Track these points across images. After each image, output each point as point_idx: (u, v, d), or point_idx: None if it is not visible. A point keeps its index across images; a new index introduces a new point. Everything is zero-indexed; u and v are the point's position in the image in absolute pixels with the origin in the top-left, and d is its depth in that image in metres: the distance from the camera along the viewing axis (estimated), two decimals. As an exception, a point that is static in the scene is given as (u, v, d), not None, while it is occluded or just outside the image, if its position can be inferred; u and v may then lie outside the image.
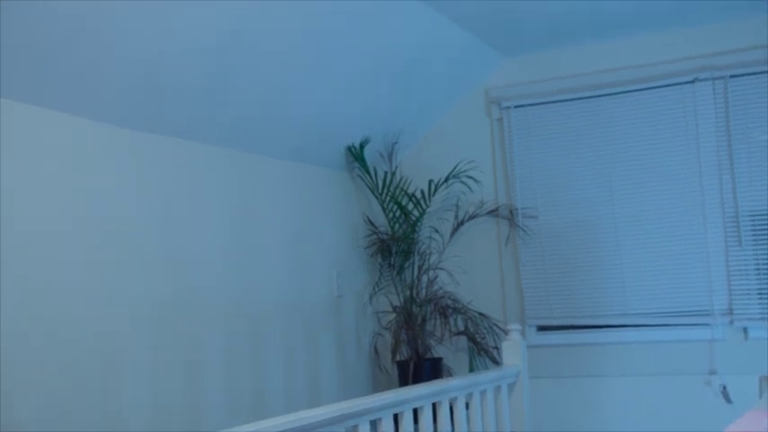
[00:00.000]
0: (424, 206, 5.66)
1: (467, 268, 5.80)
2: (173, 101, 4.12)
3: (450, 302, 5.57)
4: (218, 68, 4.14)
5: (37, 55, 3.39)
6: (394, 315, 5.66)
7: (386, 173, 5.72)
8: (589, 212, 5.58)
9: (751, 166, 5.21)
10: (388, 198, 5.64)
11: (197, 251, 4.43)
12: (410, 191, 5.75)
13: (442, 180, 5.66)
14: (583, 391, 5.54)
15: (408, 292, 5.62)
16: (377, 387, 5.77)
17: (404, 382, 5.43)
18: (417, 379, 5.32)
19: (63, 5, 3.27)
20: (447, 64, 5.50)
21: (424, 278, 5.68)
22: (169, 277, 4.23)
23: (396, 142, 5.78)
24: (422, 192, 5.67)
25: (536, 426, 5.09)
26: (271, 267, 4.96)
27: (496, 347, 5.39)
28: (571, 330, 5.65)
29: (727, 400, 5.17)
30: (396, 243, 5.64)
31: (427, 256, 5.73)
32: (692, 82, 5.33)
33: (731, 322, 5.22)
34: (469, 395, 4.39)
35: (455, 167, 5.69)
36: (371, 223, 5.78)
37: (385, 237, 5.70)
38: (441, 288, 5.69)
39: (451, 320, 5.55)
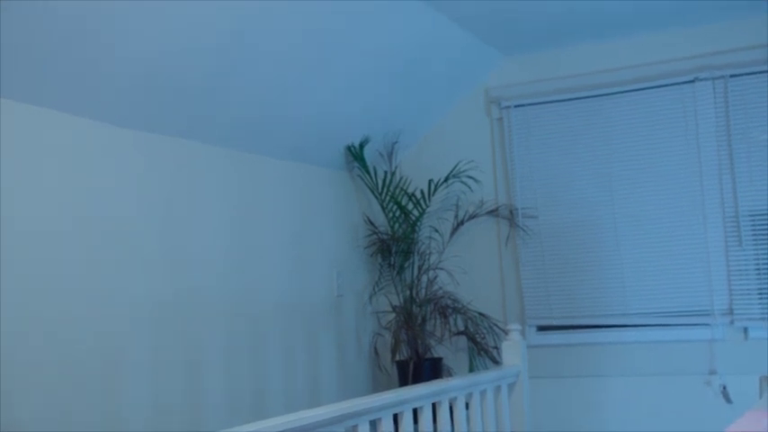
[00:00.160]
0: (423, 206, 5.65)
1: (467, 268, 5.80)
2: (173, 101, 4.12)
3: (449, 302, 5.57)
4: (218, 68, 4.14)
5: (37, 55, 3.38)
6: (394, 315, 5.66)
7: (386, 173, 5.71)
8: (589, 212, 5.58)
9: (751, 166, 5.21)
10: (387, 198, 5.64)
11: (197, 251, 4.43)
12: (410, 191, 5.74)
13: (442, 180, 5.66)
14: (583, 391, 5.54)
15: (408, 292, 5.61)
16: (377, 387, 5.77)
17: (404, 382, 5.43)
18: (417, 379, 5.32)
19: (63, 5, 3.27)
20: (447, 64, 5.50)
21: (424, 278, 5.67)
22: (169, 277, 4.23)
23: (395, 142, 5.78)
24: (422, 191, 5.67)
25: (536, 426, 5.09)
26: (271, 267, 4.96)
27: (496, 347, 5.39)
28: (571, 330, 5.65)
29: (728, 400, 5.17)
30: (396, 243, 5.64)
31: (427, 256, 5.73)
32: (692, 82, 5.33)
33: (731, 322, 5.22)
34: (469, 395, 4.38)
35: (455, 167, 5.69)
36: (371, 223, 5.78)
37: (385, 236, 5.70)
38: (440, 288, 5.69)
39: (451, 320, 5.55)
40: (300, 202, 5.27)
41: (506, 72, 5.83)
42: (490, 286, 5.82)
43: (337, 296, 5.50)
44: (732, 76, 5.24)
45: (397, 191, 5.66)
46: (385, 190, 5.63)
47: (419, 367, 5.43)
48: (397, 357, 5.56)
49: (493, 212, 5.76)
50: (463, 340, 5.61)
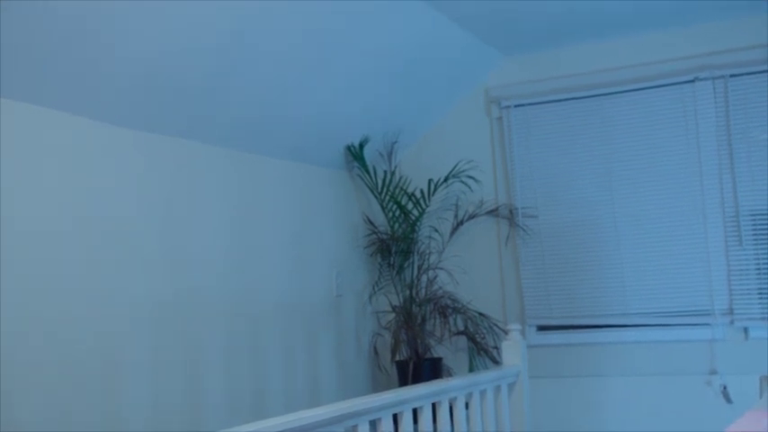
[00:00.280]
0: (423, 206, 5.65)
1: (466, 268, 5.80)
2: (173, 101, 4.11)
3: (449, 302, 5.57)
4: (218, 68, 4.14)
5: (37, 55, 3.38)
6: (393, 315, 5.66)
7: (385, 172, 5.71)
8: (589, 212, 5.57)
9: (751, 166, 5.21)
10: (387, 198, 5.63)
11: (197, 251, 4.43)
12: (410, 190, 5.74)
13: (442, 179, 5.65)
14: (583, 391, 5.53)
15: (408, 292, 5.61)
16: (376, 387, 5.77)
17: (403, 382, 5.43)
18: (417, 379, 5.32)
19: (63, 5, 3.27)
20: (447, 63, 5.49)
21: (424, 278, 5.67)
22: (169, 277, 4.23)
23: (395, 142, 5.77)
24: (421, 191, 5.66)
25: (536, 426, 5.09)
26: (270, 267, 4.96)
27: (496, 347, 5.39)
28: (571, 330, 5.65)
29: (728, 400, 5.17)
30: (395, 243, 5.64)
31: (427, 256, 5.73)
32: (692, 81, 5.33)
33: (731, 322, 5.22)
34: (469, 395, 4.38)
35: (455, 167, 5.69)
36: (371, 223, 5.78)
37: (384, 236, 5.70)
38: (440, 288, 5.68)
39: (451, 320, 5.55)
40: (300, 202, 5.27)
41: (506, 72, 5.83)
42: (490, 286, 5.82)
43: (337, 296, 5.50)
44: (732, 75, 5.24)
45: (397, 191, 5.66)
46: (385, 190, 5.63)
47: (419, 367, 5.43)
48: (397, 357, 5.56)
49: (493, 212, 5.76)
50: (463, 340, 5.60)
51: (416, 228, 5.67)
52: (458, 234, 5.80)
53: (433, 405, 4.08)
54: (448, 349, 5.72)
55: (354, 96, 5.17)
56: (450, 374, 5.53)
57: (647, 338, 5.42)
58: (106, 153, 3.94)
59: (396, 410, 3.75)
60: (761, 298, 5.16)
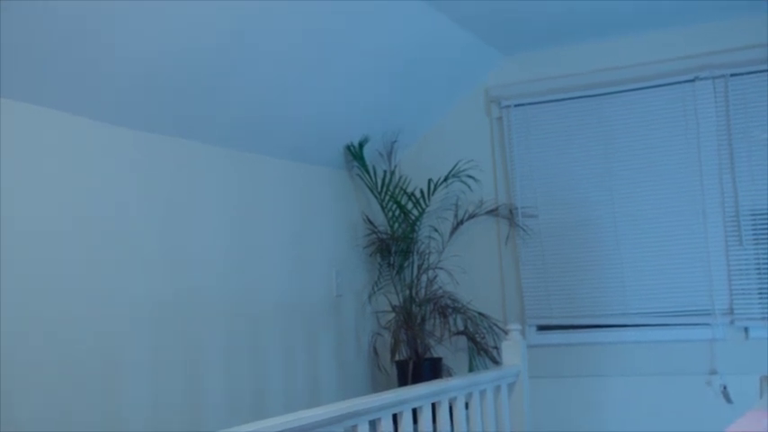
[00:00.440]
0: (423, 205, 5.65)
1: (466, 268, 5.80)
2: (172, 101, 4.11)
3: (449, 302, 5.57)
4: (217, 68, 4.13)
5: (37, 54, 3.38)
6: (393, 315, 5.65)
7: (385, 172, 5.71)
8: (589, 212, 5.57)
9: (752, 165, 5.20)
10: (387, 197, 5.63)
11: (197, 251, 4.43)
12: (409, 190, 5.74)
13: (442, 179, 5.65)
14: (583, 391, 5.53)
15: (408, 292, 5.61)
16: (376, 387, 5.77)
17: (403, 381, 5.42)
18: (417, 379, 5.31)
19: (63, 5, 3.27)
20: (446, 63, 5.49)
21: (424, 278, 5.67)
22: (169, 277, 4.23)
23: (395, 141, 5.77)
24: (421, 191, 5.66)
25: (536, 426, 5.08)
26: (270, 267, 4.96)
27: (496, 347, 5.39)
28: (571, 330, 5.65)
29: (728, 400, 5.16)
30: (395, 242, 5.64)
31: (426, 256, 5.73)
32: (693, 81, 5.33)
33: (732, 322, 5.22)
34: (469, 395, 4.38)
35: (454, 166, 5.68)
36: (371, 222, 5.78)
37: (384, 236, 5.70)
38: (440, 288, 5.68)
39: (451, 320, 5.54)
40: (300, 202, 5.27)
41: (506, 71, 5.83)
42: (490, 286, 5.81)
43: (337, 296, 5.50)
44: (732, 75, 5.24)
45: (397, 190, 5.66)
46: (384, 189, 5.63)
47: (419, 367, 5.42)
48: (397, 357, 5.56)
49: (492, 212, 5.75)
50: (463, 340, 5.60)
51: (416, 227, 5.67)
52: (458, 234, 5.80)
53: (433, 405, 4.08)
54: (448, 349, 5.72)
55: (354, 96, 5.17)
56: (449, 374, 5.52)
57: (647, 338, 5.42)
58: (106, 153, 3.94)
59: (395, 410, 3.75)
60: (761, 298, 5.16)
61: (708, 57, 5.29)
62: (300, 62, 4.53)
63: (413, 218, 5.64)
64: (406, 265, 5.66)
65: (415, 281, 5.63)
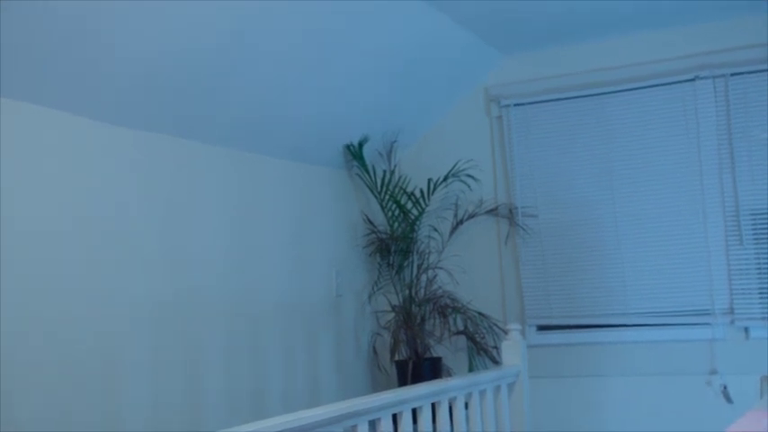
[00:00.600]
0: (423, 205, 5.65)
1: (466, 267, 5.79)
2: (172, 100, 4.11)
3: (449, 302, 5.56)
4: (217, 68, 4.13)
5: (37, 54, 3.38)
6: (393, 315, 5.65)
7: (385, 172, 5.71)
8: (589, 211, 5.57)
9: (752, 165, 5.20)
10: (387, 197, 5.63)
11: (196, 251, 4.43)
12: (409, 190, 5.73)
13: (442, 179, 5.65)
14: (583, 390, 5.53)
15: (407, 292, 5.61)
16: (376, 387, 5.76)
17: (403, 381, 5.42)
18: (416, 379, 5.31)
19: (63, 5, 3.26)
20: (446, 62, 5.49)
21: (424, 277, 5.66)
22: (169, 277, 4.23)
23: (395, 141, 5.77)
24: (421, 191, 5.66)
25: (536, 426, 5.08)
26: (270, 267, 4.95)
27: (496, 347, 5.38)
28: (571, 330, 5.64)
29: (728, 400, 5.16)
30: (395, 242, 5.63)
31: (426, 256, 5.72)
32: (693, 80, 5.32)
33: (732, 322, 5.21)
34: (469, 395, 4.38)
35: (454, 166, 5.68)
36: (370, 222, 5.77)
37: (384, 236, 5.69)
38: (440, 287, 5.67)
39: (451, 320, 5.54)
40: (300, 202, 5.26)
41: (506, 71, 5.82)
42: (490, 286, 5.81)
43: (336, 296, 5.50)
44: (733, 74, 5.23)
45: (397, 190, 5.66)
46: (384, 189, 5.63)
47: (418, 367, 5.42)
48: (397, 357, 5.55)
49: (492, 211, 5.75)
50: (463, 340, 5.60)
51: (416, 227, 5.66)
52: (457, 233, 5.79)
53: (433, 405, 4.08)
54: (447, 349, 5.71)
55: (353, 95, 5.17)
56: (449, 374, 5.52)
57: (648, 338, 5.42)
58: (106, 153, 3.94)
59: (395, 410, 3.75)
60: (761, 298, 5.16)
61: (708, 56, 5.29)
62: (300, 62, 4.53)
63: (412, 217, 5.63)
64: (405, 264, 5.66)
65: (415, 281, 5.63)
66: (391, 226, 5.65)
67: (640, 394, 5.38)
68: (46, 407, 3.54)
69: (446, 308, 5.53)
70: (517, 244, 5.74)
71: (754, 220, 5.20)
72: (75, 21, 3.36)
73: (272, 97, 4.60)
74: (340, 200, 5.64)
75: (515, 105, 5.75)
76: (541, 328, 5.73)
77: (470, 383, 4.38)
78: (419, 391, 3.96)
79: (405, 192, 5.69)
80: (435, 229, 5.81)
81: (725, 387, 5.18)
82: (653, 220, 5.41)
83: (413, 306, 5.57)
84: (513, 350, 4.80)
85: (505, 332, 4.94)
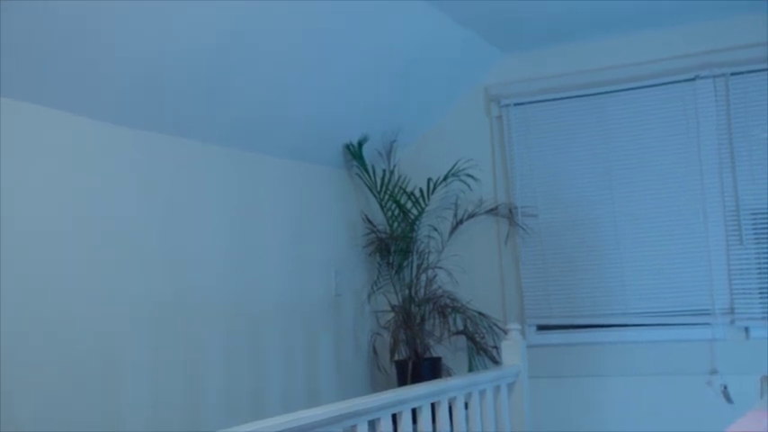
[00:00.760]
0: (422, 205, 5.64)
1: (466, 267, 5.79)
2: (172, 100, 4.11)
3: (449, 302, 5.56)
4: (217, 68, 4.13)
5: (37, 54, 3.38)
6: (392, 314, 5.64)
7: (384, 171, 5.70)
8: (589, 211, 5.56)
9: (752, 164, 5.20)
10: (386, 196, 5.62)
11: (196, 250, 4.42)
12: (409, 189, 5.73)
13: (441, 178, 5.65)
14: (583, 391, 5.52)
15: (407, 292, 5.60)
16: (375, 387, 5.76)
17: (402, 381, 5.42)
18: (416, 379, 5.31)
19: (63, 5, 3.26)
20: (446, 62, 5.48)
21: (423, 277, 5.66)
22: (168, 277, 4.22)
23: (394, 140, 5.77)
24: (420, 190, 5.65)
25: (536, 426, 5.08)
26: (270, 266, 4.95)
27: (496, 347, 5.38)
28: (571, 330, 5.64)
29: (728, 400, 5.16)
30: (394, 242, 5.63)
31: (426, 255, 5.72)
32: (693, 80, 5.32)
33: (732, 322, 5.21)
34: (469, 395, 4.37)
35: (454, 166, 5.68)
36: (370, 222, 5.77)
37: (383, 235, 5.69)
38: (440, 287, 5.67)
39: (450, 320, 5.53)
40: (299, 201, 5.26)
41: (506, 70, 5.82)
42: (490, 285, 5.80)
43: (336, 295, 5.49)
44: (733, 74, 5.23)
45: (396, 189, 5.65)
46: (384, 189, 5.62)
47: (418, 367, 5.41)
48: (396, 357, 5.55)
49: (492, 211, 5.75)
50: (462, 340, 5.59)
51: (415, 227, 5.66)
52: (457, 233, 5.79)
53: (433, 405, 4.07)
54: (447, 349, 5.71)
55: (353, 95, 5.16)
56: (449, 374, 5.52)
57: (648, 338, 5.41)
58: (106, 152, 3.94)
59: (395, 410, 3.75)
60: (762, 297, 5.15)
61: (708, 55, 5.29)
62: (300, 61, 4.52)
63: (412, 217, 5.63)
64: (405, 264, 5.65)
65: (415, 280, 5.62)
66: (391, 225, 5.64)
67: (640, 394, 5.38)
68: (46, 407, 3.54)
69: (446, 308, 5.52)
70: (517, 244, 5.73)
71: (755, 219, 5.20)
72: (75, 21, 3.36)
73: (272, 97, 4.60)
74: (340, 199, 5.64)
75: (515, 105, 5.75)
76: (541, 327, 5.73)
77: (470, 383, 4.38)
78: (419, 391, 3.96)
79: (404, 191, 5.69)
80: (435, 229, 5.81)
81: (725, 387, 5.18)
82: (653, 219, 5.40)
83: (412, 306, 5.57)
84: (512, 350, 4.80)
85: (505, 332, 4.94)
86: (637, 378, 5.40)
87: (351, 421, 3.44)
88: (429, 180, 5.63)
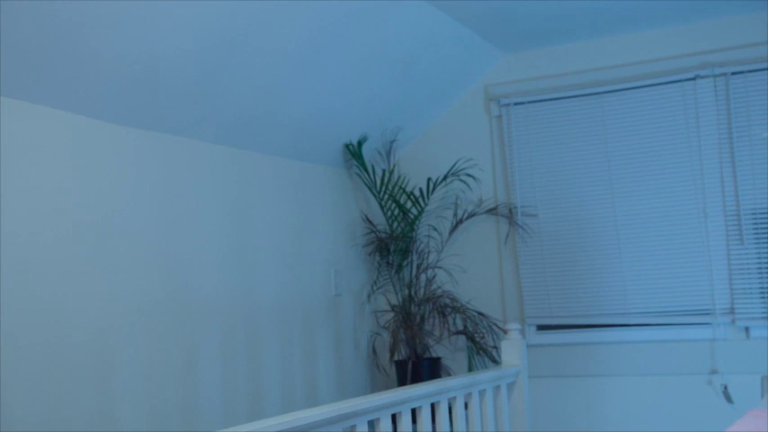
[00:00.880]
0: (422, 204, 5.63)
1: (466, 267, 5.78)
2: (171, 99, 4.10)
3: (448, 301, 5.55)
4: (215, 66, 4.12)
5: (35, 53, 3.38)
6: (392, 314, 5.64)
7: (384, 171, 5.69)
8: (589, 210, 5.55)
9: (753, 164, 5.18)
10: (386, 196, 5.61)
11: (194, 250, 4.41)
12: (408, 189, 5.72)
13: (441, 178, 5.63)
14: (583, 390, 5.51)
15: (407, 291, 5.59)
16: (375, 387, 5.75)
17: (402, 381, 5.41)
18: (416, 379, 5.30)
19: (63, 5, 3.27)
20: (446, 61, 5.47)
21: (423, 277, 5.65)
22: (166, 276, 4.21)
23: (394, 140, 5.76)
24: (420, 190, 5.64)
25: (536, 426, 5.07)
26: (268, 266, 4.94)
27: (496, 347, 5.37)
28: (571, 330, 5.63)
29: (729, 400, 5.14)
30: (394, 242, 5.62)
31: (426, 255, 5.71)
32: (694, 79, 5.30)
33: (733, 321, 5.19)
34: (468, 395, 4.36)
35: (454, 165, 5.67)
36: (369, 221, 5.76)
37: (383, 235, 5.68)
38: (439, 287, 5.67)
39: (450, 320, 5.52)
40: (298, 200, 5.24)
41: (506, 69, 5.81)
42: (489, 285, 5.79)
43: (335, 295, 5.48)
44: (733, 73, 5.22)
45: (396, 189, 5.64)
46: (383, 188, 5.61)
47: (418, 367, 5.40)
48: (396, 357, 5.54)
49: (492, 211, 5.73)
50: (462, 340, 5.58)
51: (415, 227, 5.65)
52: (457, 233, 5.78)
53: (432, 405, 4.06)
54: (447, 349, 5.70)
55: (353, 94, 5.15)
56: (449, 374, 5.51)
57: (648, 338, 5.40)
58: (104, 151, 3.93)
59: (394, 411, 3.73)
60: (762, 297, 5.14)
61: (709, 55, 5.27)
62: (299, 60, 4.51)
63: (412, 217, 5.62)
64: (405, 264, 5.64)
65: (414, 280, 5.61)
66: (390, 225, 5.63)
67: (640, 394, 5.36)
68: (43, 407, 3.53)
69: (445, 307, 5.51)
70: (517, 243, 5.72)
71: (755, 219, 5.18)
72: (74, 21, 3.36)
73: (271, 95, 4.59)
74: (339, 199, 5.63)
75: (515, 104, 5.73)
76: (541, 327, 5.71)
77: (470, 383, 4.36)
78: (418, 391, 3.94)
79: (404, 191, 5.68)
80: (435, 229, 5.80)
81: (725, 387, 5.16)
82: (653, 219, 5.39)
83: (412, 306, 5.55)
84: (512, 350, 4.78)
85: (505, 332, 4.92)
86: (637, 378, 5.39)
87: (350, 422, 3.43)
88: (429, 180, 5.62)
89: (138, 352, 4.01)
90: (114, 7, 3.43)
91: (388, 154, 5.75)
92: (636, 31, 5.44)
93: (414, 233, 5.66)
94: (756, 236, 5.17)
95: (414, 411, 3.93)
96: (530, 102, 5.71)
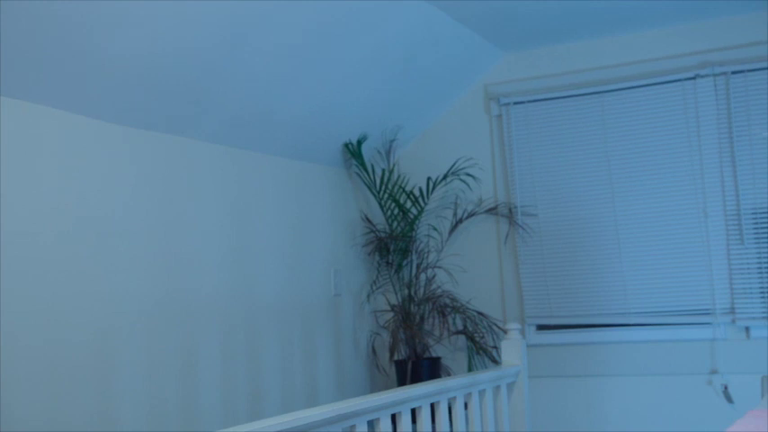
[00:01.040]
0: (422, 204, 5.62)
1: (465, 267, 5.77)
2: (170, 98, 4.09)
3: (448, 301, 5.54)
4: (214, 65, 4.11)
5: (35, 53, 3.38)
6: (392, 314, 5.63)
7: (384, 170, 5.69)
8: (589, 210, 5.54)
9: (753, 163, 5.18)
10: (385, 196, 5.61)
11: (193, 249, 4.40)
12: (408, 188, 5.72)
13: (441, 177, 5.63)
14: (583, 390, 5.50)
15: (406, 291, 5.59)
16: (374, 387, 5.74)
17: (402, 381, 5.41)
18: (415, 378, 5.30)
19: (63, 5, 3.27)
20: (446, 60, 5.47)
21: (423, 277, 5.65)
22: (166, 276, 4.21)
23: (394, 139, 5.75)
24: (420, 189, 5.64)
25: (536, 426, 5.06)
26: (267, 265, 4.93)
27: (495, 347, 5.37)
28: (571, 330, 5.62)
29: (729, 400, 5.14)
30: (394, 241, 5.61)
31: (425, 255, 5.71)
32: (694, 78, 5.30)
33: (733, 321, 5.19)
34: (468, 395, 4.36)
35: (454, 165, 5.66)
36: (369, 221, 5.75)
37: (383, 235, 5.67)
38: (439, 287, 5.66)
39: (450, 319, 5.52)
40: (298, 200, 5.24)
41: (506, 68, 5.80)
42: (489, 285, 5.79)
43: (335, 295, 5.47)
44: (734, 72, 5.21)
45: (396, 189, 5.64)
46: (383, 188, 5.61)
47: (417, 367, 5.40)
48: (396, 357, 5.54)
49: (492, 210, 5.73)
50: (462, 339, 5.58)
51: (415, 226, 5.64)
52: (457, 232, 5.77)
53: (432, 405, 4.06)
54: (447, 349, 5.70)
55: (353, 94, 5.15)
56: (449, 374, 5.50)
57: (648, 338, 5.39)
58: (103, 150, 3.93)
59: (394, 411, 3.73)
60: (763, 297, 5.13)
61: (709, 54, 5.27)
62: (299, 59, 4.51)
63: (412, 216, 5.61)
64: (404, 264, 5.64)
65: (414, 280, 5.61)
66: (390, 225, 5.63)
67: (640, 394, 5.36)
68: (43, 407, 3.53)
69: (445, 307, 5.51)
70: (517, 243, 5.71)
71: (756, 218, 5.18)
72: (72, 19, 3.35)
73: (271, 95, 4.58)
74: (339, 198, 5.62)
75: (515, 104, 5.73)
76: (541, 327, 5.71)
77: (470, 383, 4.36)
78: (418, 391, 3.93)
79: (404, 190, 5.67)
80: (435, 228, 5.79)
81: (726, 387, 5.16)
82: (653, 218, 5.38)
83: (412, 305, 5.55)
84: (512, 350, 4.78)
85: (505, 332, 4.92)
86: (637, 378, 5.38)
87: (350, 422, 3.42)
88: (428, 179, 5.61)
89: (138, 352, 4.01)
90: (114, 7, 3.42)
91: (388, 153, 5.74)
92: (636, 30, 5.44)
93: (413, 233, 5.65)
94: (756, 235, 5.17)
95: (413, 411, 3.93)
96: (530, 101, 5.70)
